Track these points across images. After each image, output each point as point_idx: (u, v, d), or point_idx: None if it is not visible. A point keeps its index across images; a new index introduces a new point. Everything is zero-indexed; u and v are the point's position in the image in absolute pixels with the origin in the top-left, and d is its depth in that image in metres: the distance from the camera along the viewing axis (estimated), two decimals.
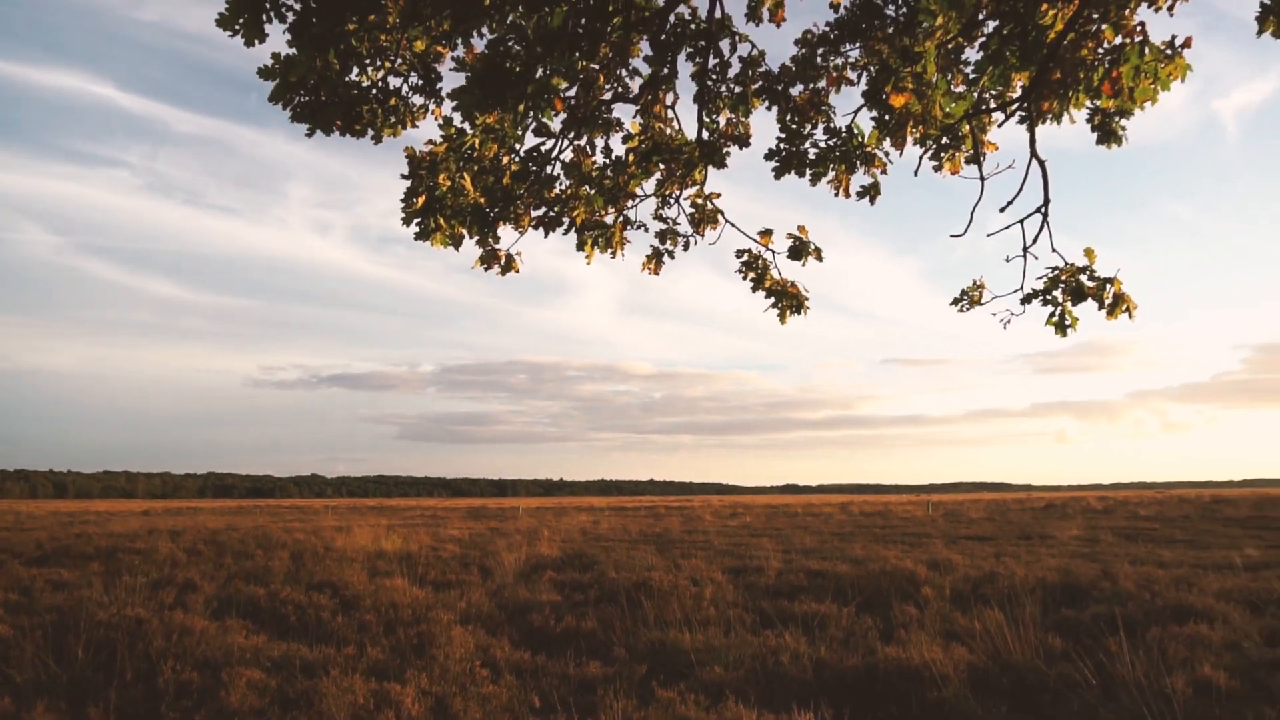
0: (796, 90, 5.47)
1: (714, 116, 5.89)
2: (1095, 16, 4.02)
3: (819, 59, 5.32)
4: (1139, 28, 4.16)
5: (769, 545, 21.31)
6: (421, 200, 5.16)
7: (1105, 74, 4.26)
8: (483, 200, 5.28)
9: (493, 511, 58.65)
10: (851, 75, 5.29)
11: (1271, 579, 12.07)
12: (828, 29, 5.15)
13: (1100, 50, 4.32)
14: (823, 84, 5.37)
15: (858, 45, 5.04)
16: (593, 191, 5.92)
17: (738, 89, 5.63)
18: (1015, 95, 4.79)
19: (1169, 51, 4.28)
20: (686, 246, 6.65)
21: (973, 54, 4.76)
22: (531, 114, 4.84)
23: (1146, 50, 4.19)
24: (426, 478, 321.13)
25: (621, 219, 6.31)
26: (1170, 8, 4.16)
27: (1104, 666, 6.88)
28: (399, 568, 15.44)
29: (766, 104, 5.64)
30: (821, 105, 5.40)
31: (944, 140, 5.19)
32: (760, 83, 5.52)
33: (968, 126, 5.06)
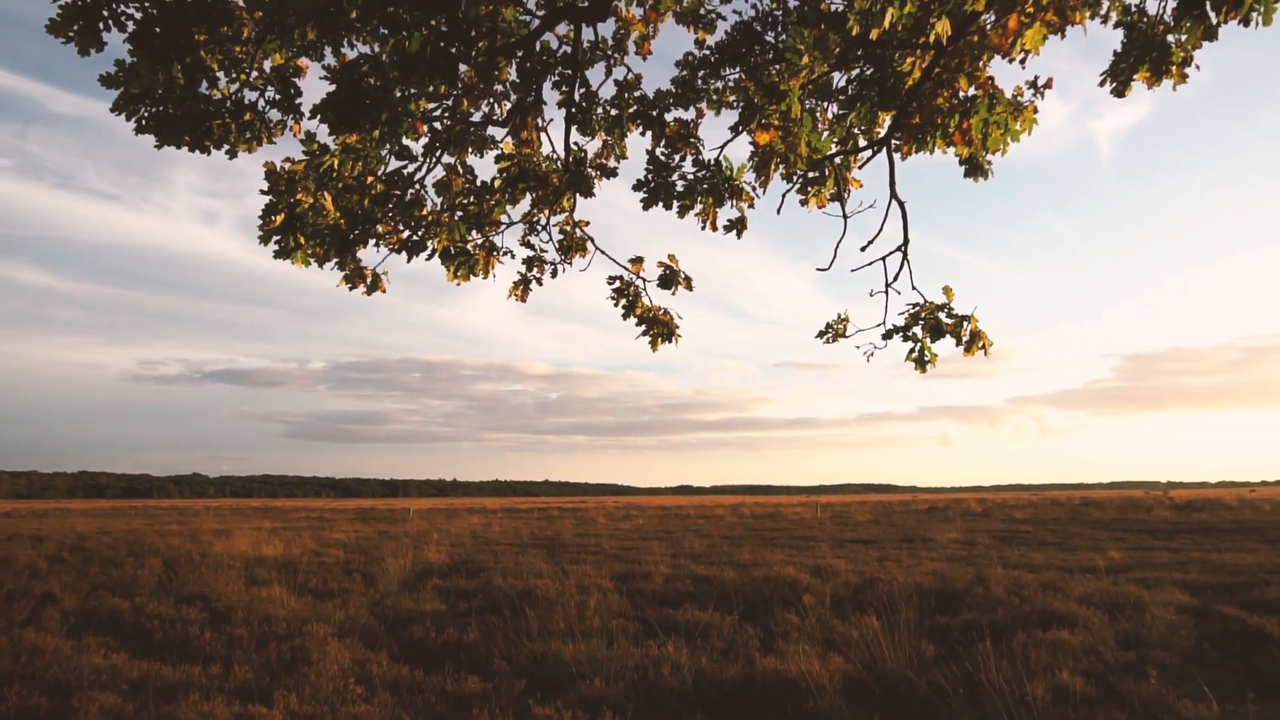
0: (672, 116, 5.48)
1: (584, 142, 5.85)
2: (952, 65, 4.13)
3: (699, 82, 5.33)
4: (990, 81, 4.31)
5: (659, 549, 21.40)
6: (280, 218, 4.95)
7: (958, 124, 4.39)
8: (343, 222, 5.10)
9: (382, 513, 57.43)
10: (732, 99, 5.33)
11: (1128, 582, 12.68)
12: (708, 52, 5.16)
13: (955, 100, 4.45)
14: (692, 116, 5.40)
15: (737, 70, 5.08)
16: (457, 217, 5.80)
17: (614, 111, 5.60)
18: (881, 134, 4.91)
19: (1024, 97, 4.44)
20: (555, 274, 6.59)
21: (838, 93, 4.86)
22: (391, 137, 4.70)
23: (996, 104, 4.34)
24: (315, 478, 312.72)
25: (487, 245, 6.21)
26: (1021, 61, 4.32)
27: (972, 674, 7.09)
28: (279, 575, 14.93)
29: (641, 129, 5.63)
30: (691, 137, 5.41)
31: (810, 175, 5.26)
32: (636, 106, 5.51)
33: (830, 166, 5.14)
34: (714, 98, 5.39)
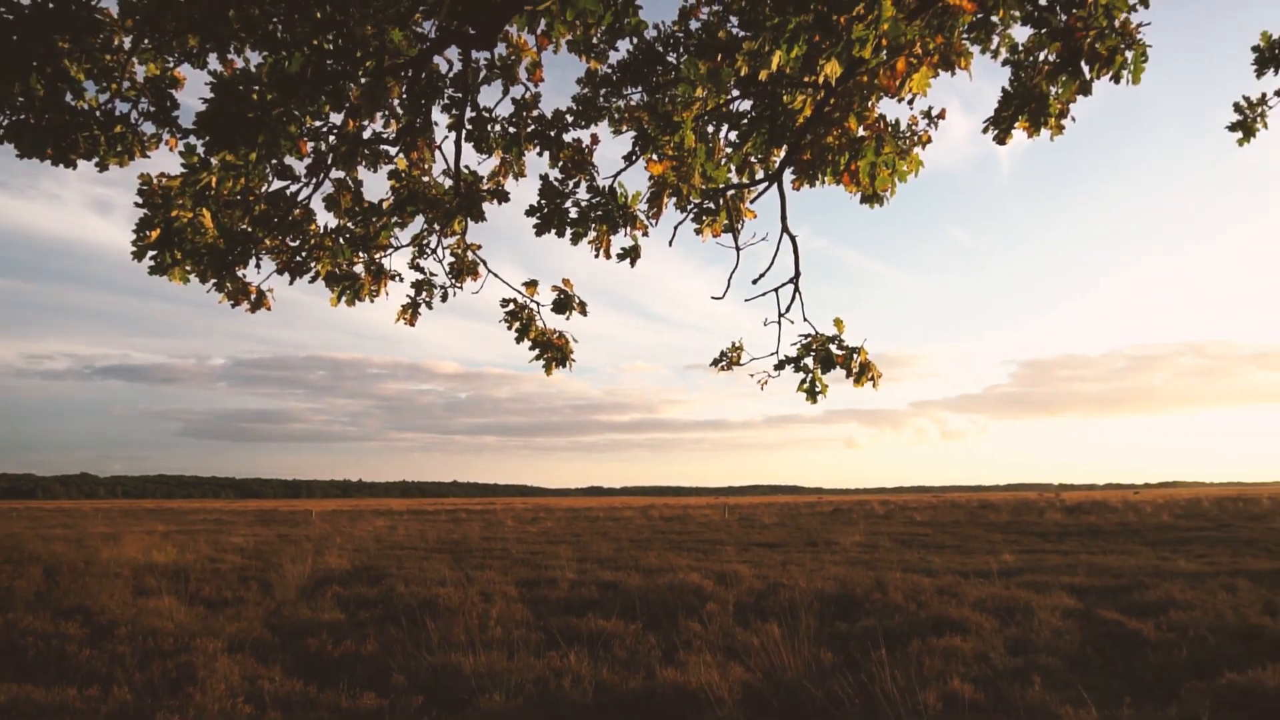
0: (571, 137, 5.44)
1: (481, 160, 5.74)
2: (842, 105, 4.20)
3: (601, 100, 5.30)
4: (880, 121, 4.40)
5: (566, 554, 21.30)
6: (156, 233, 4.73)
7: (847, 164, 4.48)
8: (222, 242, 4.90)
9: (284, 515, 55.93)
10: (627, 126, 5.31)
11: (1019, 586, 13.10)
12: (610, 70, 5.14)
13: (845, 139, 4.53)
14: (588, 141, 5.37)
15: (639, 89, 5.07)
16: (343, 240, 5.65)
17: (512, 129, 5.53)
18: (774, 168, 4.97)
19: (919, 126, 4.55)
20: (445, 297, 6.49)
21: (732, 126, 4.89)
22: (270, 158, 4.53)
23: (884, 145, 4.43)
24: (214, 478, 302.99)
25: (375, 268, 6.07)
26: (910, 101, 4.43)
27: (868, 682, 7.22)
28: (169, 584, 14.38)
29: (539, 149, 5.57)
30: (586, 163, 5.38)
31: (705, 205, 5.29)
32: (534, 126, 5.44)
33: (725, 197, 5.18)
34: (615, 116, 5.37)
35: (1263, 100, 5.95)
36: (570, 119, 5.33)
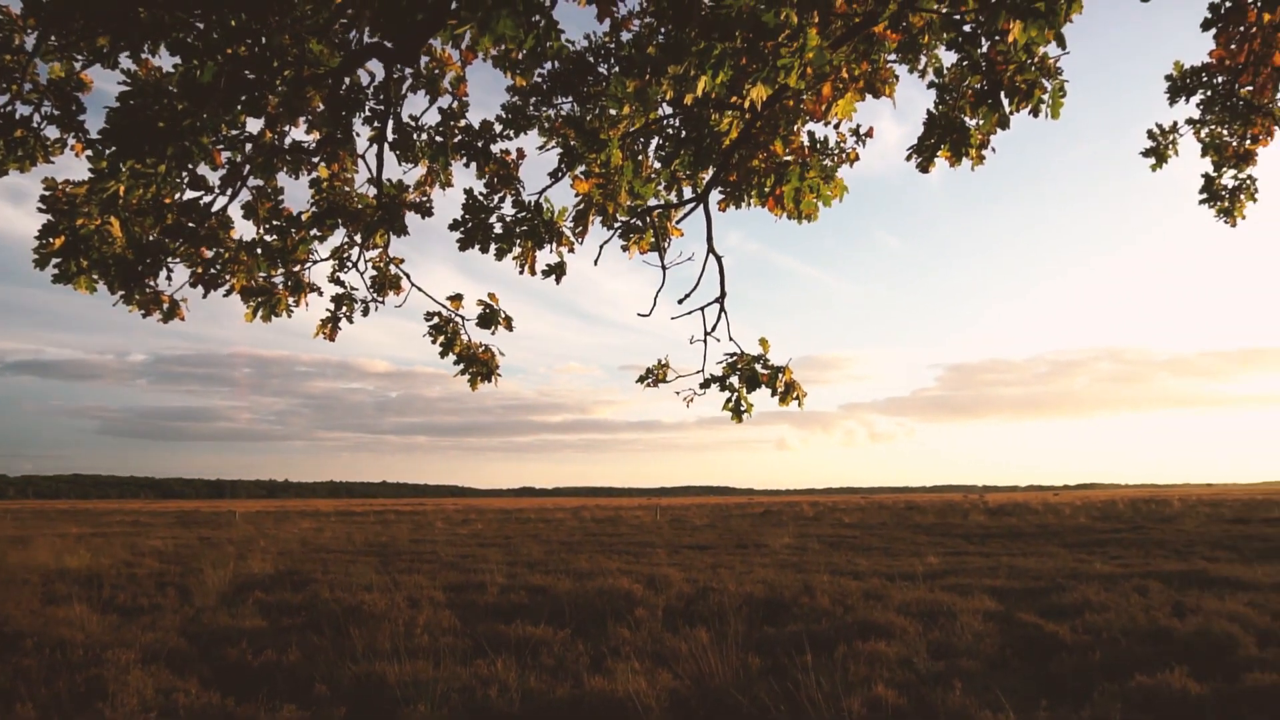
0: (499, 148, 5.37)
1: (407, 169, 5.63)
2: (768, 128, 4.24)
3: (530, 108, 5.25)
4: (804, 148, 4.45)
5: (495, 557, 21.13)
6: (60, 241, 4.55)
7: (773, 187, 4.52)
8: (130, 253, 4.74)
9: (205, 517, 54.52)
10: (554, 144, 5.27)
11: (943, 589, 13.36)
12: (540, 79, 5.09)
13: (771, 162, 4.57)
14: (515, 155, 5.31)
15: (569, 99, 5.03)
16: (259, 252, 5.51)
17: (439, 138, 5.44)
18: (703, 187, 4.99)
19: (847, 144, 4.61)
20: (366, 312, 6.37)
21: (660, 147, 4.90)
22: (180, 169, 4.37)
23: (809, 169, 4.48)
24: (132, 478, 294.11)
25: (291, 282, 5.93)
26: (836, 126, 4.50)
27: (793, 689, 7.28)
28: (82, 591, 13.90)
29: (466, 160, 5.50)
30: (511, 178, 5.33)
31: (631, 222, 5.29)
32: (461, 136, 5.37)
33: (651, 215, 5.18)
34: (545, 125, 5.32)
35: (1174, 128, 6.15)
36: (499, 128, 5.26)
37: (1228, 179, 5.37)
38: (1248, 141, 5.62)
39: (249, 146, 4.72)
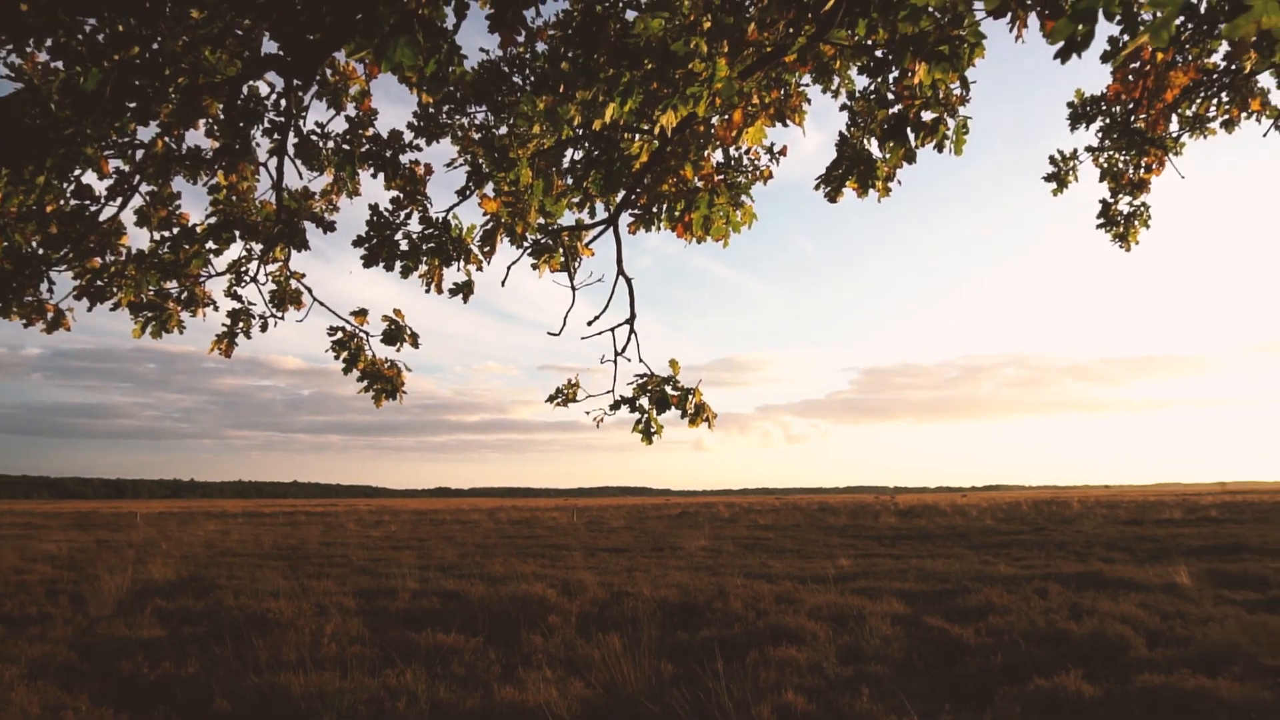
0: (407, 159, 5.26)
1: (312, 178, 5.47)
2: (678, 153, 4.26)
3: (444, 116, 5.16)
4: (712, 176, 4.48)
5: (409, 560, 20.81)
6: None
7: (682, 214, 4.55)
8: (8, 264, 4.51)
9: (105, 518, 52.49)
10: (475, 137, 5.19)
11: (853, 592, 13.60)
12: (453, 89, 5.00)
13: (681, 187, 4.59)
14: (422, 169, 5.21)
15: (483, 109, 4.96)
16: (149, 266, 5.30)
17: (346, 146, 5.30)
18: (614, 209, 4.98)
19: (761, 161, 4.66)
20: (265, 327, 6.20)
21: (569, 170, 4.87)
22: (61, 180, 4.16)
23: (718, 196, 4.52)
24: (25, 477, 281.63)
25: (185, 295, 5.73)
26: (747, 152, 4.54)
27: (704, 697, 7.31)
28: None
29: (373, 170, 5.37)
30: (418, 194, 5.23)
31: (541, 241, 5.25)
32: (368, 145, 5.25)
33: (563, 234, 5.15)
34: (459, 134, 5.23)
35: (1074, 155, 6.37)
36: (410, 135, 5.15)
37: (1123, 205, 5.60)
38: (1142, 170, 5.87)
39: (140, 154, 4.52)
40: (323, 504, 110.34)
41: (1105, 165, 5.61)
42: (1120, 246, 5.69)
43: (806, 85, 4.34)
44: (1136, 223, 5.43)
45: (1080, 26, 1.99)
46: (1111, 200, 5.55)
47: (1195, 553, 20.37)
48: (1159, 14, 2.33)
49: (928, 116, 3.48)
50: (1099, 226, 5.65)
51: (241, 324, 6.03)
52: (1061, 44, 2.09)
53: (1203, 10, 4.69)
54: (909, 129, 3.53)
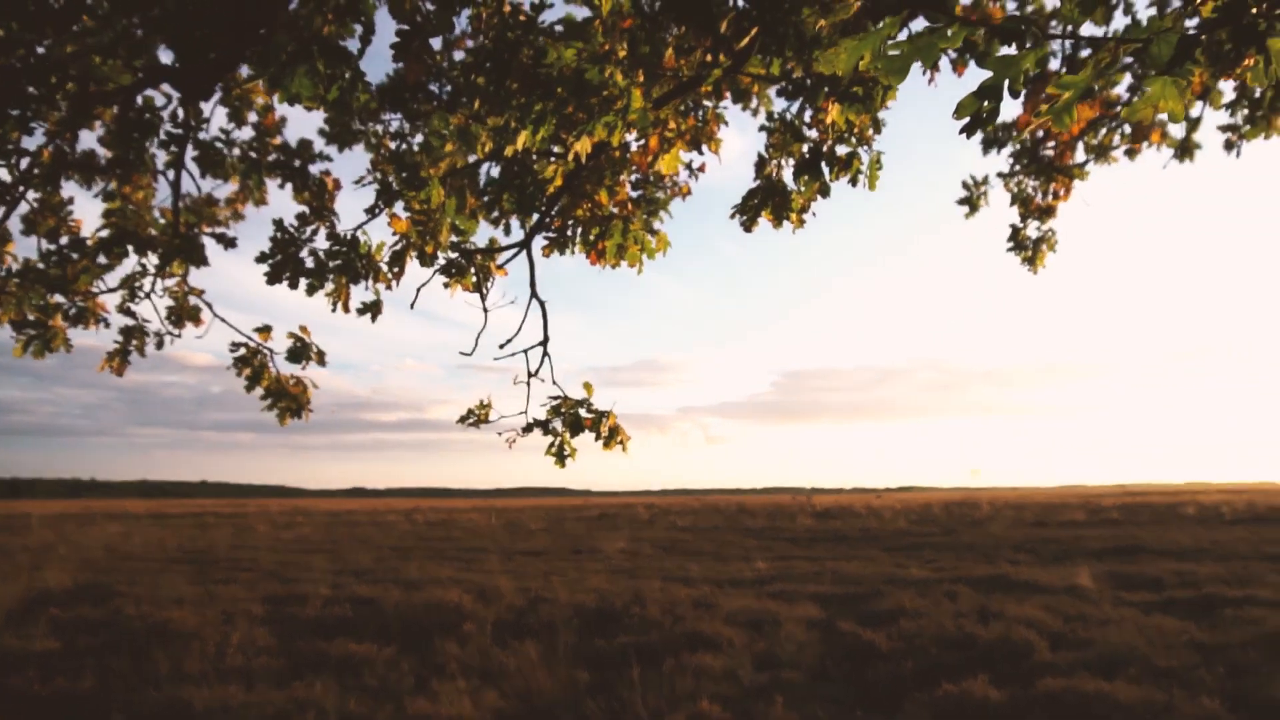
0: (317, 169, 5.12)
1: (217, 185, 5.28)
2: (593, 179, 4.24)
3: (356, 122, 5.03)
4: (628, 204, 4.48)
5: (321, 564, 20.35)
6: None
7: (595, 240, 4.54)
8: None
9: None
10: (391, 145, 5.07)
11: (770, 596, 13.75)
12: (368, 96, 4.87)
13: (595, 212, 4.58)
14: (331, 184, 5.08)
15: (398, 115, 4.84)
16: (33, 280, 5.06)
17: (253, 154, 5.13)
18: (527, 233, 4.94)
19: (674, 183, 4.65)
20: (160, 344, 5.98)
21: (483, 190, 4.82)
22: None
23: (631, 223, 4.53)
24: None
25: (74, 311, 5.48)
26: (659, 179, 4.54)
27: (620, 707, 7.30)
28: None
29: (281, 181, 5.22)
30: (326, 209, 5.10)
31: (453, 259, 5.17)
32: (276, 155, 5.09)
33: (476, 255, 5.09)
34: (373, 141, 5.11)
35: (985, 180, 6.56)
36: (323, 143, 5.00)
37: (1032, 230, 5.78)
38: (1050, 197, 6.07)
39: (24, 161, 4.29)
40: (232, 504, 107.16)
41: (1015, 190, 5.77)
42: (1029, 269, 5.87)
43: (725, 107, 4.37)
44: (1044, 246, 5.59)
45: (985, 103, 2.05)
46: (1021, 225, 5.72)
47: (1097, 554, 21.10)
48: (1062, 97, 2.43)
49: (842, 151, 3.53)
50: (1009, 250, 5.81)
51: (135, 342, 5.78)
52: (967, 119, 2.14)
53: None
54: (823, 163, 3.57)
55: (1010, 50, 1.98)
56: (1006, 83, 2.03)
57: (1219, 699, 7.52)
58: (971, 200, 6.25)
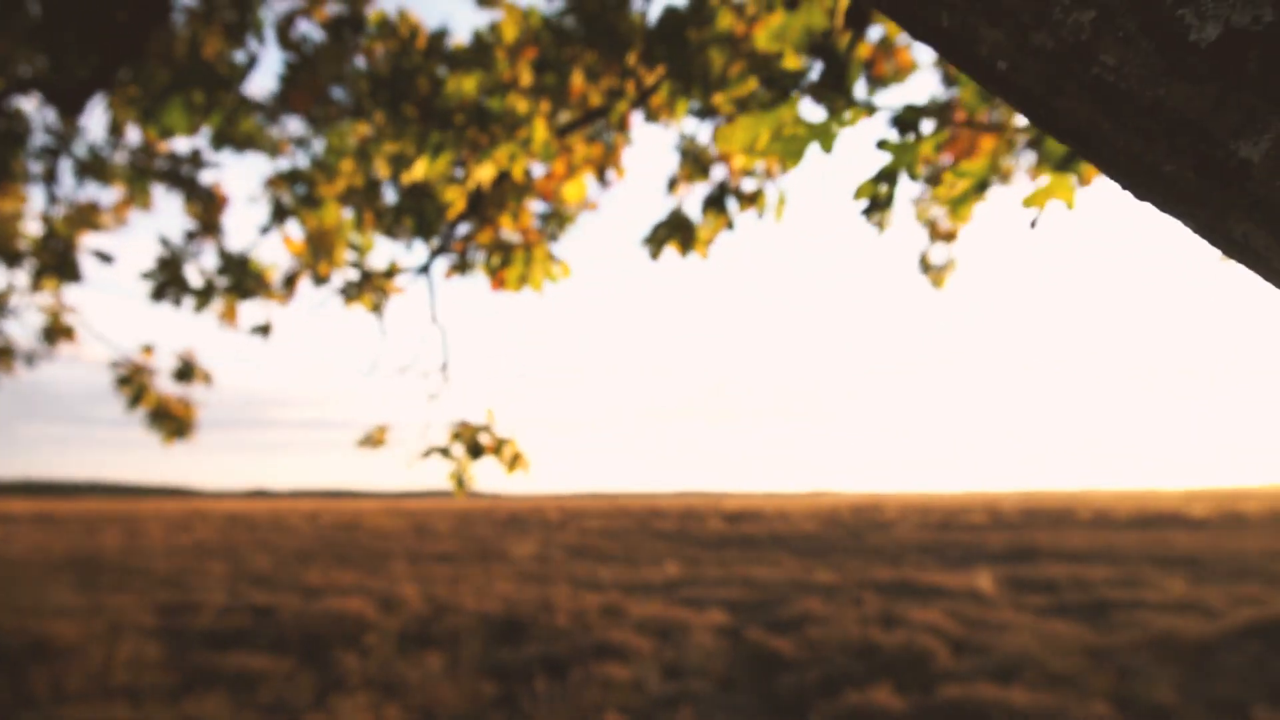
0: (209, 178, 4.86)
1: (99, 191, 5.01)
2: (495, 204, 4.15)
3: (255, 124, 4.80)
4: (531, 229, 4.41)
5: (218, 571, 19.67)
6: None
7: (496, 269, 4.46)
8: None
9: None
10: (291, 148, 4.86)
11: (679, 602, 13.76)
12: (253, 124, 4.66)
13: (497, 239, 4.49)
14: (221, 198, 4.86)
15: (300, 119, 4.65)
16: None
17: (138, 163, 4.85)
18: (428, 257, 4.83)
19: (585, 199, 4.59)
20: (31, 361, 5.65)
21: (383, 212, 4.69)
22: None
23: (534, 249, 4.45)
24: None
25: None
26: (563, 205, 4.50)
27: (523, 719, 7.17)
28: None
29: (168, 187, 4.96)
30: (214, 225, 4.87)
31: (351, 281, 5.01)
32: (164, 162, 4.82)
33: (374, 278, 4.97)
34: (270, 145, 4.88)
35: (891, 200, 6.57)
36: (217, 145, 4.74)
37: (936, 254, 5.86)
38: (955, 223, 6.17)
39: None
40: (125, 505, 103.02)
41: (921, 215, 5.85)
42: (935, 288, 5.95)
43: (635, 128, 4.31)
44: (946, 270, 5.70)
45: (883, 188, 2.06)
46: (928, 248, 5.80)
47: (997, 558, 21.72)
48: (958, 186, 2.46)
49: (749, 188, 3.52)
50: (919, 272, 5.90)
51: (2, 363, 5.42)
52: (867, 201, 2.15)
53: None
54: (729, 198, 3.56)
55: (910, 137, 2.01)
56: (905, 170, 2.07)
57: (1108, 702, 7.77)
58: (880, 222, 6.28)
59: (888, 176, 2.06)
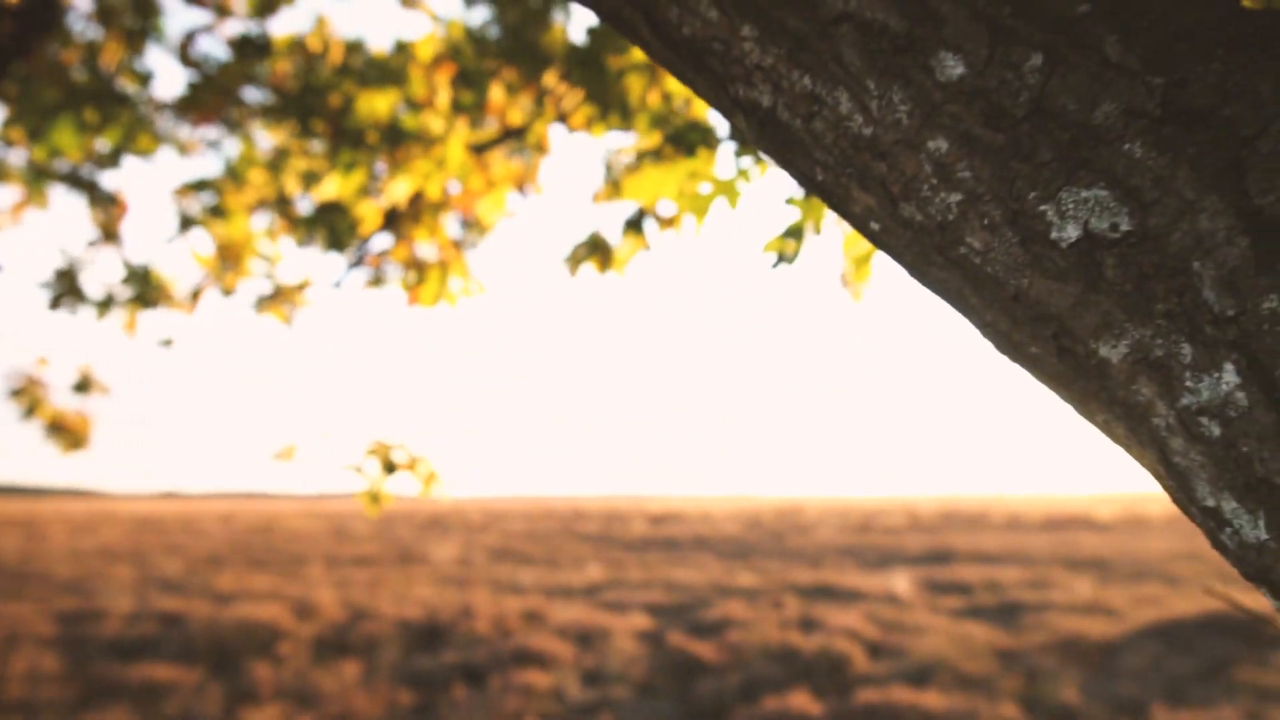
0: (112, 180, 4.69)
1: None
2: (412, 219, 4.09)
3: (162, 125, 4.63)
4: (451, 243, 4.36)
5: (125, 576, 18.99)
6: None
7: (412, 285, 4.40)
8: None
9: None
10: (202, 147, 4.70)
11: (601, 606, 13.73)
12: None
13: (412, 257, 4.44)
14: (122, 205, 4.70)
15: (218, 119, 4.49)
16: None
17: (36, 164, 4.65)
18: (342, 273, 4.74)
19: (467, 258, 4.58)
20: None
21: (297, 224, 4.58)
22: None
23: (450, 268, 4.41)
24: None
25: None
26: (477, 220, 4.48)
27: None
28: None
29: (69, 188, 4.75)
30: (114, 233, 4.70)
31: (262, 294, 4.90)
32: (64, 163, 4.62)
33: (281, 292, 4.87)
34: (179, 145, 4.70)
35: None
36: (115, 159, 4.54)
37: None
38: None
39: None
40: (23, 507, 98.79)
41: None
42: (854, 301, 6.06)
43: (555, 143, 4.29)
44: (863, 284, 5.81)
45: (791, 243, 2.10)
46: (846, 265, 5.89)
47: (915, 560, 22.19)
48: (859, 245, 2.52)
49: (667, 212, 3.54)
50: (839, 286, 6.00)
51: None
52: (775, 256, 2.18)
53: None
54: (648, 219, 3.56)
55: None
56: (810, 226, 2.10)
57: (1017, 704, 7.99)
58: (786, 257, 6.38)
59: (794, 233, 2.10)
